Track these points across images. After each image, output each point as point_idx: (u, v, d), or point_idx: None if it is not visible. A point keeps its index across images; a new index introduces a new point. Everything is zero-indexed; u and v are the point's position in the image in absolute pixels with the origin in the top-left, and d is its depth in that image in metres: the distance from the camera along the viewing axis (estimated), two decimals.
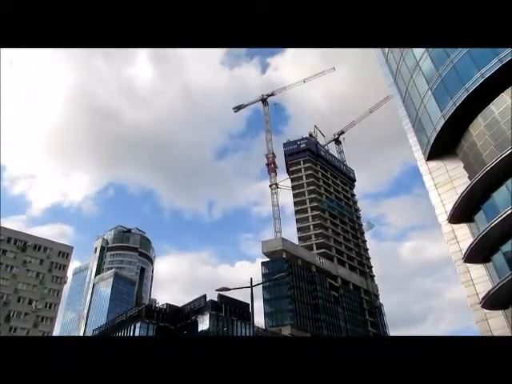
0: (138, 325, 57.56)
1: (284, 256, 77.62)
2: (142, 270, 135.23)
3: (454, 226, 24.83)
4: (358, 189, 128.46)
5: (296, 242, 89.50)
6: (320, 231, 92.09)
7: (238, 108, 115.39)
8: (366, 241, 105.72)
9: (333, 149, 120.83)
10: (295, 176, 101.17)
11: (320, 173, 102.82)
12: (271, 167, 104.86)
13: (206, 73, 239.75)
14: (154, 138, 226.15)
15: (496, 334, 20.98)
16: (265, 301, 73.12)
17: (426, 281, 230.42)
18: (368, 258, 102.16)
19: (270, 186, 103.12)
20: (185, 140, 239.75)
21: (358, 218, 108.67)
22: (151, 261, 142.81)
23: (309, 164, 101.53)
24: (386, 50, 32.40)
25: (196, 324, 58.54)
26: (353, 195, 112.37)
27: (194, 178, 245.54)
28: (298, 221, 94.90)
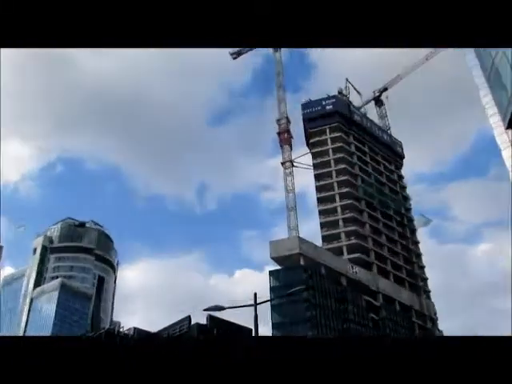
0: None
1: (301, 262, 76.66)
2: (101, 280, 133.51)
3: None
4: (409, 169, 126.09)
5: (319, 243, 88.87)
6: (353, 228, 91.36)
7: (238, 54, 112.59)
8: (418, 242, 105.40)
9: (372, 112, 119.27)
10: (318, 150, 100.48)
11: (354, 146, 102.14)
12: (284, 138, 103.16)
13: None
14: (123, 96, 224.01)
15: None
16: (274, 325, 71.48)
17: (506, 299, 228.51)
18: (422, 267, 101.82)
19: (283, 163, 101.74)
20: (166, 99, 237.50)
21: (408, 209, 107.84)
22: (114, 268, 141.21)
23: (338, 133, 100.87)
24: None
25: None
26: (400, 177, 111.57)
27: (180, 152, 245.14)
28: (321, 213, 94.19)
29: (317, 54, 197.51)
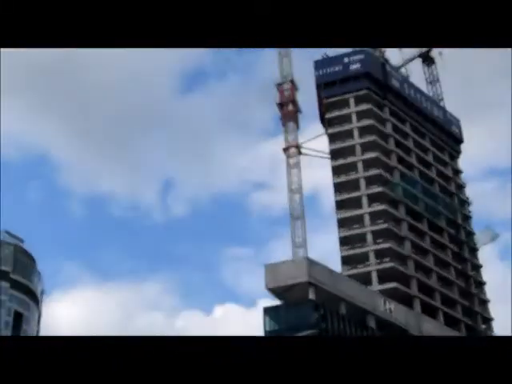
0: None
1: (311, 296, 77.16)
2: (18, 317, 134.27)
3: None
4: (470, 159, 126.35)
5: (337, 267, 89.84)
6: (387, 246, 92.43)
7: None
8: (481, 266, 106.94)
9: (418, 75, 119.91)
10: (338, 130, 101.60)
11: (390, 124, 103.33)
12: (288, 111, 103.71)
13: None
14: (56, 54, 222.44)
15: None
16: None
17: None
18: (485, 302, 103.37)
19: (286, 149, 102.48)
20: (118, 57, 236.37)
21: (468, 218, 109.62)
22: (37, 299, 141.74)
23: (368, 105, 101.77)
24: None
25: None
26: (457, 172, 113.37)
27: (135, 134, 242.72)
28: (341, 224, 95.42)
29: None
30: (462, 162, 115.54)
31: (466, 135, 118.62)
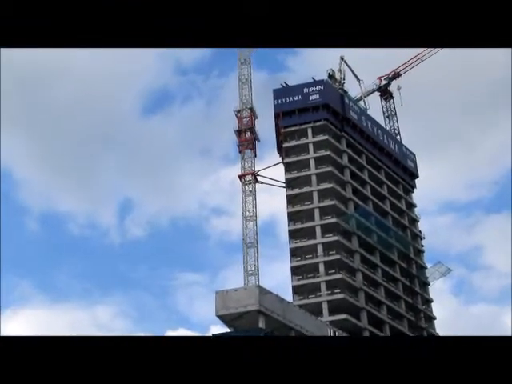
0: None
1: (261, 324, 76.84)
2: None
3: None
4: (424, 193, 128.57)
5: (289, 296, 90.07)
6: (339, 277, 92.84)
7: None
8: (431, 301, 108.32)
9: (376, 107, 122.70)
10: (295, 159, 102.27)
11: (346, 156, 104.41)
12: (245, 139, 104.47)
13: None
14: (21, 70, 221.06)
15: None
16: None
17: None
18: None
19: (241, 177, 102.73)
20: (83, 77, 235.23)
21: (420, 252, 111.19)
22: None
23: (325, 136, 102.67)
24: None
25: None
26: (411, 206, 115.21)
27: (96, 153, 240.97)
28: (294, 253, 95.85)
29: None
30: (418, 196, 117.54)
31: (423, 169, 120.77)
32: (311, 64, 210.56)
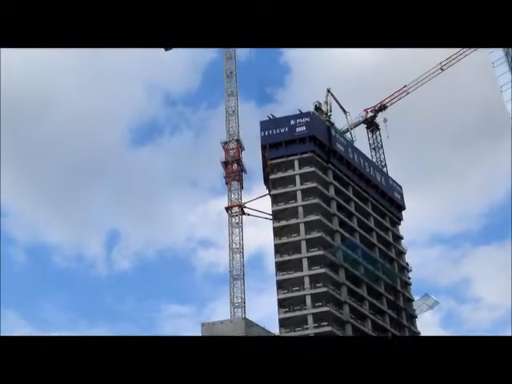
0: None
1: None
2: None
3: None
4: (412, 225, 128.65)
5: (275, 329, 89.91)
6: (326, 310, 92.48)
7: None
8: (418, 333, 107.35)
9: (362, 139, 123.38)
10: (281, 191, 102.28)
11: (333, 188, 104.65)
12: (231, 171, 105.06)
13: None
14: (8, 101, 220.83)
15: None
16: None
17: None
18: None
19: (228, 208, 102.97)
20: (72, 108, 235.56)
21: (407, 284, 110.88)
22: None
23: (311, 168, 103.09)
24: None
25: None
26: (397, 238, 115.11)
27: (84, 185, 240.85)
28: (281, 286, 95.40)
29: (295, 53, 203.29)
30: (406, 228, 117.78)
31: (411, 200, 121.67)
32: (299, 96, 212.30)
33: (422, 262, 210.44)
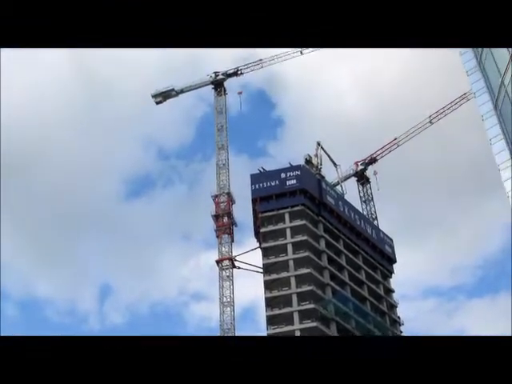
0: None
1: None
2: None
3: None
4: (405, 277, 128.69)
5: None
6: None
7: (165, 96, 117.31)
8: None
9: (353, 192, 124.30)
10: (271, 244, 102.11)
11: (324, 241, 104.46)
12: (222, 224, 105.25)
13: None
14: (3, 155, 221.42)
15: None
16: None
17: None
18: None
19: (219, 261, 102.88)
20: (66, 161, 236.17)
21: None
22: None
23: (302, 221, 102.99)
24: None
25: None
26: (388, 291, 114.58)
27: (76, 235, 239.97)
28: None
29: (288, 105, 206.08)
30: (399, 281, 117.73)
31: (404, 253, 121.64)
32: (292, 149, 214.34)
33: (415, 315, 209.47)
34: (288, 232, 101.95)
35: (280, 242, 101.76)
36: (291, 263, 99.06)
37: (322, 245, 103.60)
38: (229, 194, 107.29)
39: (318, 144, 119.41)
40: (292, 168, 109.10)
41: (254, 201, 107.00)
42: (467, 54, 37.03)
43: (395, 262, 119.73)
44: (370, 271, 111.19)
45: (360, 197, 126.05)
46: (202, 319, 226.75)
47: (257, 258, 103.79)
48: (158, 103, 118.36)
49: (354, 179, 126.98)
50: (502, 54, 30.84)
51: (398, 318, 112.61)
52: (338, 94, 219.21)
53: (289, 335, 74.13)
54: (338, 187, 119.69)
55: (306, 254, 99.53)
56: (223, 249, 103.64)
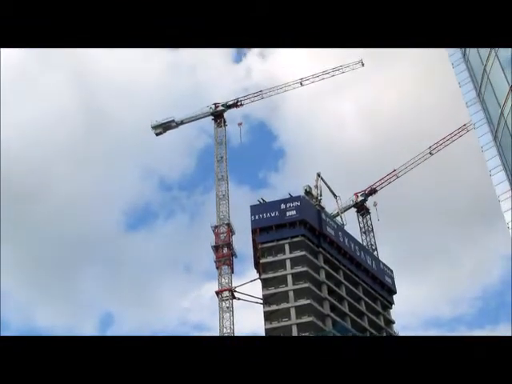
0: None
1: None
2: None
3: None
4: (406, 308, 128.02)
5: None
6: None
7: (165, 128, 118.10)
8: None
9: (353, 223, 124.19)
10: (271, 276, 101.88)
11: (324, 272, 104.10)
12: (222, 255, 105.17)
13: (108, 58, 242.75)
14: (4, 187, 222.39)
15: None
16: None
17: None
18: None
19: (218, 293, 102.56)
20: (66, 193, 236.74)
21: None
22: None
23: (302, 252, 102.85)
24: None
25: None
26: (389, 322, 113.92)
27: (78, 268, 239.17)
28: None
29: (288, 136, 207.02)
30: (400, 312, 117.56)
31: (404, 284, 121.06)
32: (293, 180, 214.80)
33: None
34: (288, 263, 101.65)
35: (280, 272, 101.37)
36: (291, 294, 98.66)
37: (322, 276, 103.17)
38: (228, 225, 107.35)
39: (318, 175, 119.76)
40: (292, 199, 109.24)
41: (253, 231, 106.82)
42: (467, 85, 37.62)
43: (395, 292, 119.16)
44: (370, 302, 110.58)
45: (360, 228, 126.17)
46: None
47: (257, 288, 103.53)
48: (157, 134, 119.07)
49: (353, 210, 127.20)
50: (501, 85, 31.42)
51: None
52: (339, 125, 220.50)
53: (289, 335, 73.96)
54: (338, 218, 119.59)
55: (306, 284, 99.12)
56: (223, 280, 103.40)
